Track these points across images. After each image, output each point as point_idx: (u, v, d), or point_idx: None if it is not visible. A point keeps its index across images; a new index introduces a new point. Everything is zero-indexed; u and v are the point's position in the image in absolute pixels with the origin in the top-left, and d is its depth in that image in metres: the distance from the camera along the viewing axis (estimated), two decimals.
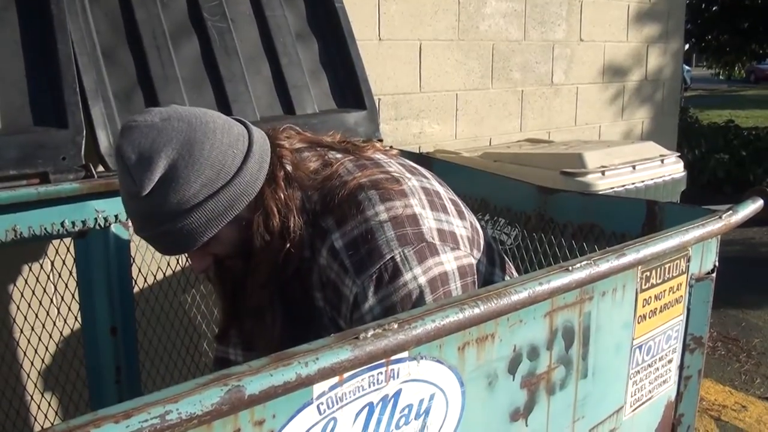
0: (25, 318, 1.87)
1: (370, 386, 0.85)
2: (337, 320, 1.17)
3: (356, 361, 0.79)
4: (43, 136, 1.73)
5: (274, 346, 1.08)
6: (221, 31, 2.21)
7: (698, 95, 23.63)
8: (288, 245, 1.14)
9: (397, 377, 0.88)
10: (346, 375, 0.81)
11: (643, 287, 1.23)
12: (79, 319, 1.81)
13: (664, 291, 1.30)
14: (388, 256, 1.08)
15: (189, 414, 0.65)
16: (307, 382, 0.75)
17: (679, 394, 1.44)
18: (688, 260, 1.35)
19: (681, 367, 1.42)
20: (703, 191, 7.51)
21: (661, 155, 2.77)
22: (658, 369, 1.35)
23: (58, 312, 1.88)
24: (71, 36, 1.87)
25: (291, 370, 0.73)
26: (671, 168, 2.77)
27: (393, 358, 0.85)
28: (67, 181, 1.71)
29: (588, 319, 1.13)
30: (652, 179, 2.64)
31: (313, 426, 0.81)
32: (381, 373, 0.86)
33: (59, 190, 1.68)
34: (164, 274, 2.03)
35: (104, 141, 1.86)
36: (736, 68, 12.46)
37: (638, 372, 1.29)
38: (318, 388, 0.79)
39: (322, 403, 0.81)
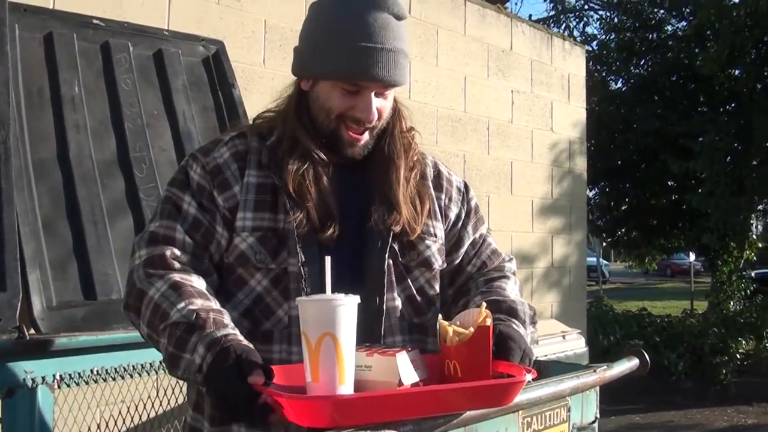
0: None
1: None
2: None
3: None
4: None
5: None
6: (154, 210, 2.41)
7: (616, 288, 24.75)
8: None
9: None
10: None
11: None
12: None
13: None
14: None
15: None
16: None
17: None
18: (569, 410, 1.52)
19: None
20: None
21: (562, 331, 3.01)
22: None
23: None
24: (16, 208, 2.03)
25: None
26: (573, 344, 3.00)
27: None
28: (0, 341, 1.79)
29: None
30: (554, 353, 2.85)
31: None
32: None
33: None
34: None
35: (38, 305, 1.97)
36: (646, 261, 13.28)
37: None
38: None
39: None
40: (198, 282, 1.29)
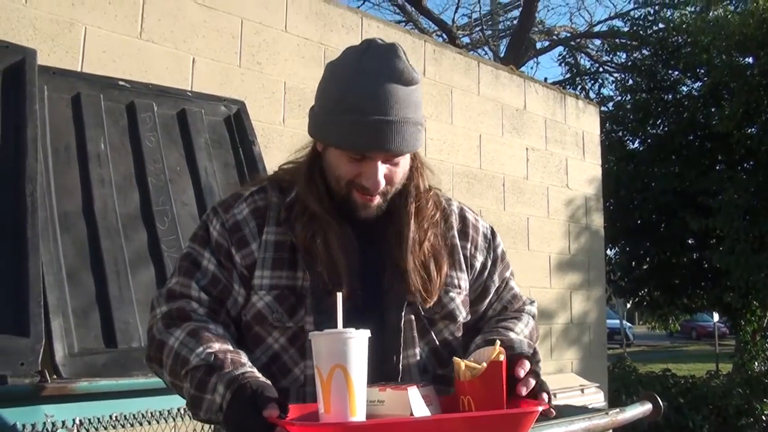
0: None
1: None
2: None
3: None
4: (5, 343, 1.89)
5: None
6: (176, 261, 2.48)
7: (641, 350, 24.31)
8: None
9: None
10: None
11: None
12: None
13: None
14: None
15: None
16: None
17: None
18: None
19: None
20: None
21: (581, 385, 3.00)
22: None
23: None
24: (42, 258, 2.11)
25: None
26: (591, 397, 2.99)
27: None
28: (21, 384, 1.84)
29: None
30: None
31: None
32: None
33: (14, 392, 1.81)
34: None
35: (60, 351, 2.02)
36: (670, 321, 13.08)
37: None
38: None
39: None
40: (215, 328, 1.32)
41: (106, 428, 2.01)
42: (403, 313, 1.38)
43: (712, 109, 10.55)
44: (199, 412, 1.25)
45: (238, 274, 1.39)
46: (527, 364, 1.26)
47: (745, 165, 10.80)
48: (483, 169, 4.17)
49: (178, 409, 2.16)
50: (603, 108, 12.18)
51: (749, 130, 10.19)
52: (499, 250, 1.57)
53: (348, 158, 1.34)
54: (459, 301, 1.46)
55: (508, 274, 1.59)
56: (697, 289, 11.57)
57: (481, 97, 4.23)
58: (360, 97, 1.30)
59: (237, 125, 2.96)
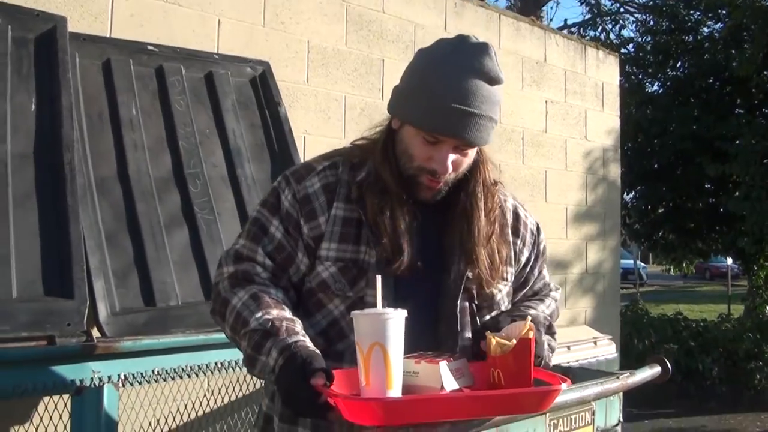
0: None
1: None
2: None
3: None
4: (52, 305, 2.01)
5: None
6: (208, 222, 2.58)
7: (654, 290, 24.50)
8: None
9: None
10: None
11: None
12: None
13: None
14: None
15: None
16: None
17: None
18: (593, 413, 1.64)
19: None
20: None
21: (594, 338, 3.11)
22: None
23: None
24: (82, 223, 2.21)
25: None
26: (604, 349, 3.10)
27: None
28: (70, 344, 1.97)
29: None
30: (585, 359, 2.95)
31: None
32: None
33: (63, 352, 1.94)
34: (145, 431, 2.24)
35: (103, 312, 2.14)
36: (684, 264, 13.17)
37: None
38: None
39: None
40: (275, 293, 1.44)
41: (149, 382, 2.15)
42: (459, 300, 1.49)
43: (733, 51, 10.39)
44: (254, 370, 1.38)
45: (304, 244, 1.49)
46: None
47: (764, 110, 10.70)
48: (502, 123, 4.21)
49: (215, 364, 2.30)
50: (623, 50, 12.03)
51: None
52: (542, 246, 1.68)
53: (422, 140, 1.44)
54: (505, 292, 1.58)
55: (544, 268, 1.70)
56: (712, 233, 11.61)
57: (502, 50, 4.24)
58: (446, 86, 1.39)
59: (262, 86, 3.01)
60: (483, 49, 1.44)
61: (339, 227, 1.49)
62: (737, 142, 9.39)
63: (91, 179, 2.38)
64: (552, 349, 1.53)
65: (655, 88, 12.09)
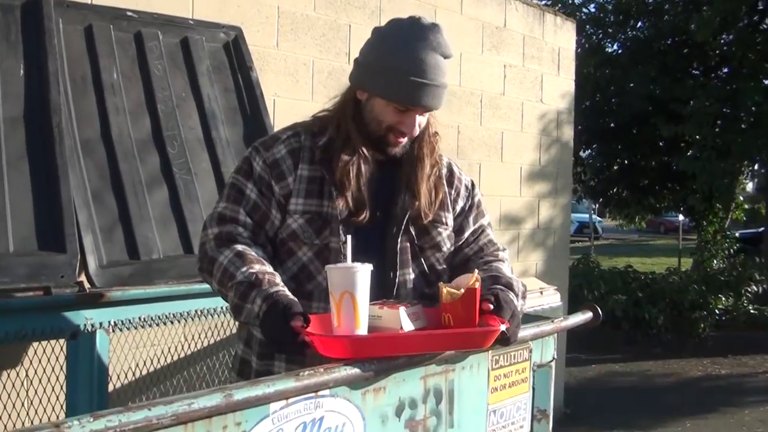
0: (23, 403, 2.28)
1: (304, 410, 1.35)
2: None
3: (296, 390, 1.29)
4: (46, 259, 2.21)
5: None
6: (186, 182, 2.76)
7: (609, 244, 25.23)
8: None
9: (322, 407, 1.38)
10: (290, 400, 1.31)
11: (494, 367, 1.77)
12: (64, 405, 2.23)
13: (512, 372, 1.84)
14: None
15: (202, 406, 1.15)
16: (266, 399, 1.25)
17: None
18: (530, 351, 1.90)
19: None
20: (603, 327, 8.22)
21: (540, 288, 3.40)
22: (511, 431, 1.87)
23: (48, 400, 2.29)
24: (70, 182, 2.39)
25: (260, 389, 1.23)
26: (549, 299, 3.39)
27: (319, 393, 1.36)
28: (64, 294, 2.17)
29: (452, 384, 1.65)
30: (532, 307, 3.24)
31: None
32: (312, 402, 1.36)
33: (58, 301, 2.14)
34: (133, 373, 2.47)
35: (92, 264, 2.34)
36: (636, 219, 13.69)
37: (495, 431, 1.81)
38: (273, 406, 1.29)
39: (275, 418, 1.30)
40: (256, 251, 1.67)
41: (135, 328, 2.37)
42: (400, 237, 1.76)
43: (693, 15, 10.68)
44: (240, 317, 1.61)
45: (276, 202, 1.74)
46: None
47: (720, 73, 11.06)
48: (462, 86, 4.43)
49: (195, 312, 2.52)
50: (584, 10, 12.25)
51: (726, 38, 10.39)
52: (476, 199, 1.94)
53: (393, 109, 1.71)
54: (445, 235, 1.84)
55: (484, 221, 1.94)
56: (664, 190, 12.08)
57: (464, 16, 4.43)
58: (416, 64, 1.66)
59: (235, 51, 3.17)
60: (438, 29, 1.71)
61: (305, 185, 1.73)
62: (691, 103, 9.75)
63: (77, 141, 2.54)
64: (522, 313, 1.76)
65: (615, 48, 12.38)
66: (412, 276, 1.79)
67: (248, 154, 1.80)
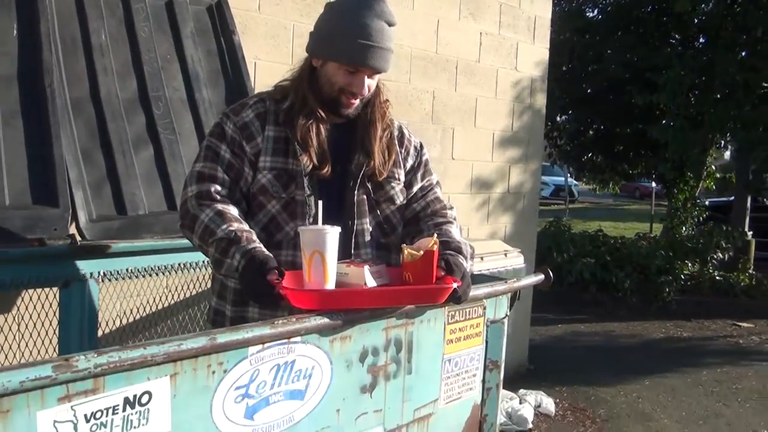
0: (19, 345, 2.44)
1: (278, 354, 1.54)
2: None
3: (271, 336, 1.48)
4: (40, 212, 2.36)
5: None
6: (170, 141, 2.91)
7: (584, 207, 25.58)
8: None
9: (294, 352, 1.57)
10: (266, 344, 1.50)
11: (450, 321, 1.97)
12: (57, 348, 2.41)
13: (467, 326, 2.04)
14: None
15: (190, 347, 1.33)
16: (245, 343, 1.44)
17: (483, 400, 2.17)
18: (484, 308, 2.10)
19: (483, 381, 2.16)
20: (570, 289, 8.53)
21: (504, 250, 3.60)
22: (464, 379, 2.08)
23: (42, 343, 2.46)
24: (62, 140, 2.53)
25: (240, 334, 1.42)
26: (513, 261, 3.61)
27: (291, 339, 1.55)
28: (58, 245, 2.33)
29: (411, 336, 1.85)
30: (496, 268, 3.45)
31: (246, 372, 1.48)
32: (285, 347, 1.55)
33: (52, 251, 2.30)
34: (121, 320, 2.65)
35: (83, 218, 2.49)
36: (610, 185, 13.96)
37: (449, 378, 2.01)
38: (251, 349, 1.48)
39: (253, 359, 1.49)
40: (234, 210, 1.85)
41: (123, 279, 2.54)
42: (357, 191, 1.96)
43: None
44: (220, 270, 1.80)
45: (248, 160, 1.94)
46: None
47: (697, 44, 11.21)
48: (438, 53, 4.57)
49: (178, 265, 2.70)
50: None
51: (704, 8, 10.52)
52: (424, 158, 2.15)
53: (344, 71, 1.90)
54: (398, 189, 2.06)
55: (433, 180, 2.15)
56: (637, 157, 12.32)
57: None
58: (362, 28, 1.85)
59: (218, 14, 3.29)
60: None
61: (271, 144, 1.95)
62: (665, 72, 9.91)
63: (68, 100, 2.67)
64: (472, 272, 1.98)
65: (595, 14, 12.46)
66: (369, 227, 1.99)
67: (219, 119, 2.00)
